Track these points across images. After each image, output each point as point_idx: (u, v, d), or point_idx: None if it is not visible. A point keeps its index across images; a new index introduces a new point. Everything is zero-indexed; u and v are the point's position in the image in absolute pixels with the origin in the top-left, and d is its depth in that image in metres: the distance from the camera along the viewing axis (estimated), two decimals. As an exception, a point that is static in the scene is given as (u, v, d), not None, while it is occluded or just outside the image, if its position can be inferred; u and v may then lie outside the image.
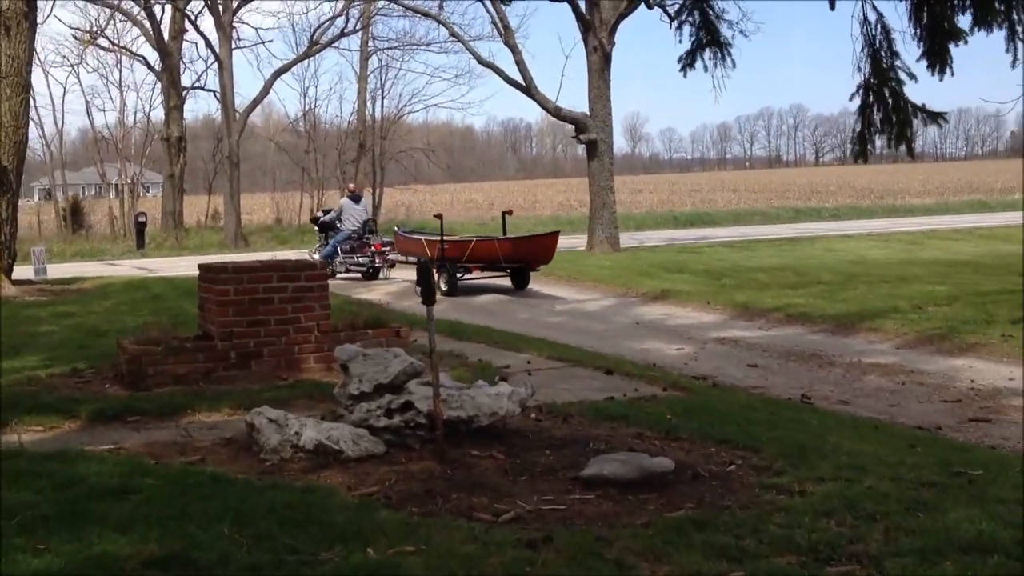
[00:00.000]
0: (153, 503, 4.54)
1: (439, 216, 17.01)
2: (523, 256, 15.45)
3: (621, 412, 6.58)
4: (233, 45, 34.68)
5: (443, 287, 14.82)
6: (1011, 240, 22.64)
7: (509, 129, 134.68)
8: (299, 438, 5.45)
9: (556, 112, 23.09)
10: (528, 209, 56.39)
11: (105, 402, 7.01)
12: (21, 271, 16.97)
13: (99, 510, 4.44)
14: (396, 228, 19.86)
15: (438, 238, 15.54)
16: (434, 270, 14.50)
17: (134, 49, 38.27)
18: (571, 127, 23.67)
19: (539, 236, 16.21)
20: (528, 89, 22.76)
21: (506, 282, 15.86)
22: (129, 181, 37.64)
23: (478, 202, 61.69)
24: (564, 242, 29.18)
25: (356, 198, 19.35)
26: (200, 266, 8.47)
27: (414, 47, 38.44)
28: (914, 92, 9.13)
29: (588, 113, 22.70)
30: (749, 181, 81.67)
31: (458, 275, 15.28)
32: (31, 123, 41.41)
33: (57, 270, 21.72)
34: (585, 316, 13.17)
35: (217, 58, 33.97)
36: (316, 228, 20.37)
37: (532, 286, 15.99)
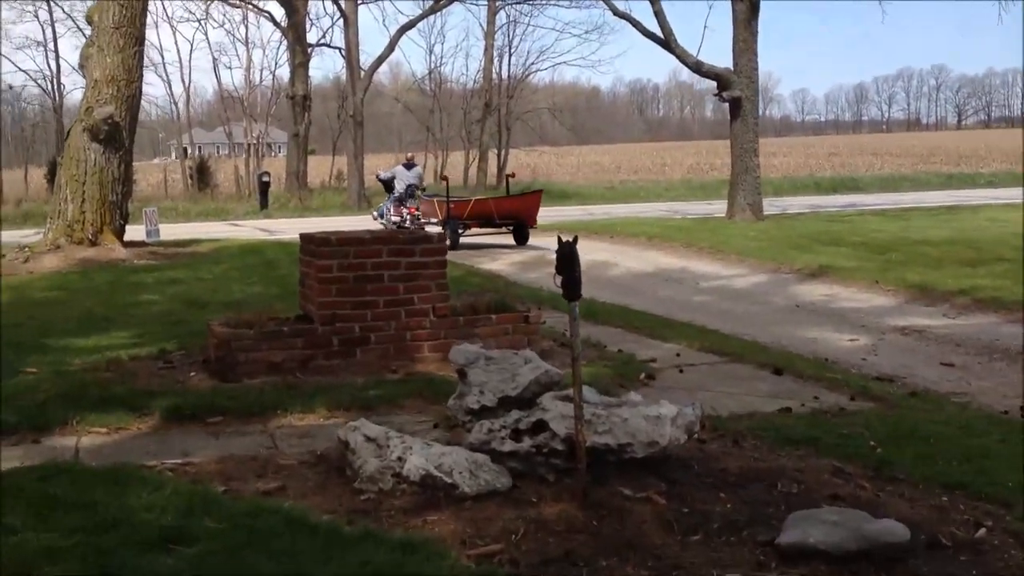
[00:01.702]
0: (206, 561, 3.43)
1: (445, 178, 19.40)
2: (512, 213, 17.65)
3: (806, 433, 5.21)
4: (359, 0, 33.86)
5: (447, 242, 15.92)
6: None
7: (636, 90, 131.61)
8: (402, 465, 4.28)
9: (697, 67, 21.35)
10: (657, 172, 54.53)
11: (185, 397, 6.00)
12: (134, 232, 16.39)
13: (135, 569, 3.36)
14: (419, 193, 21.04)
15: (445, 199, 18.01)
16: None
17: (261, 5, 37.90)
18: (708, 85, 21.98)
19: (522, 195, 18.84)
20: (667, 42, 21.07)
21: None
22: (254, 140, 37.36)
23: (604, 165, 60.07)
24: (701, 208, 27.76)
25: (409, 166, 21.45)
26: (301, 236, 7.39)
27: (543, 1, 36.97)
28: None
29: (732, 68, 20.91)
30: (889, 144, 77.74)
31: (460, 230, 17.43)
32: (161, 81, 41.79)
33: (177, 230, 21.27)
34: (734, 295, 11.69)
35: (343, 14, 33.21)
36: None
37: (674, 260, 14.61)
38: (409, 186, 20.59)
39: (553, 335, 8.09)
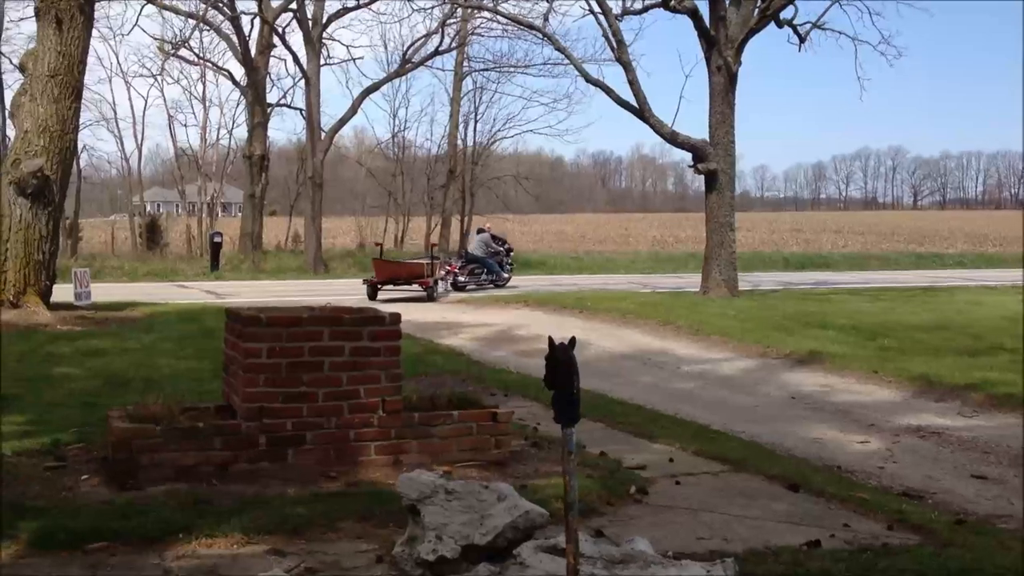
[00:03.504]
0: None
1: (379, 244, 24.92)
2: (402, 275, 20.97)
3: (853, 585, 4.07)
4: (322, 62, 33.02)
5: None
6: None
7: (599, 161, 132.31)
8: (328, 644, 3.08)
9: (672, 138, 20.49)
10: (621, 243, 53.86)
11: (65, 514, 4.74)
12: (65, 293, 15.06)
13: None
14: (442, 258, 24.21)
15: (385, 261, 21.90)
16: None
17: (220, 63, 36.97)
18: (669, 160, 21.44)
19: (407, 262, 22.45)
20: (641, 111, 20.21)
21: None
22: (208, 200, 36.12)
23: (568, 234, 59.36)
24: (671, 282, 26.75)
25: (479, 231, 25.51)
26: (227, 312, 6.21)
27: (511, 69, 36.35)
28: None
29: (708, 139, 20.10)
30: (850, 221, 78.07)
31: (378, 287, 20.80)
32: (112, 136, 40.30)
33: (118, 291, 19.92)
34: (722, 383, 10.60)
35: (305, 75, 32.31)
36: None
37: (652, 340, 13.56)
38: (465, 252, 24.88)
39: (524, 432, 6.95)
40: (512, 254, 26.07)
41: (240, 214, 40.29)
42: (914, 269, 36.34)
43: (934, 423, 8.46)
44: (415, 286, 20.80)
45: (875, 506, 5.51)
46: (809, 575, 4.22)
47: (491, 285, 23.64)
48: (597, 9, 20.43)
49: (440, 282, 22.42)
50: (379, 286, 20.72)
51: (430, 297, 20.44)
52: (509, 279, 24.73)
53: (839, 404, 9.34)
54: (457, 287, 22.97)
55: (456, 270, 23.42)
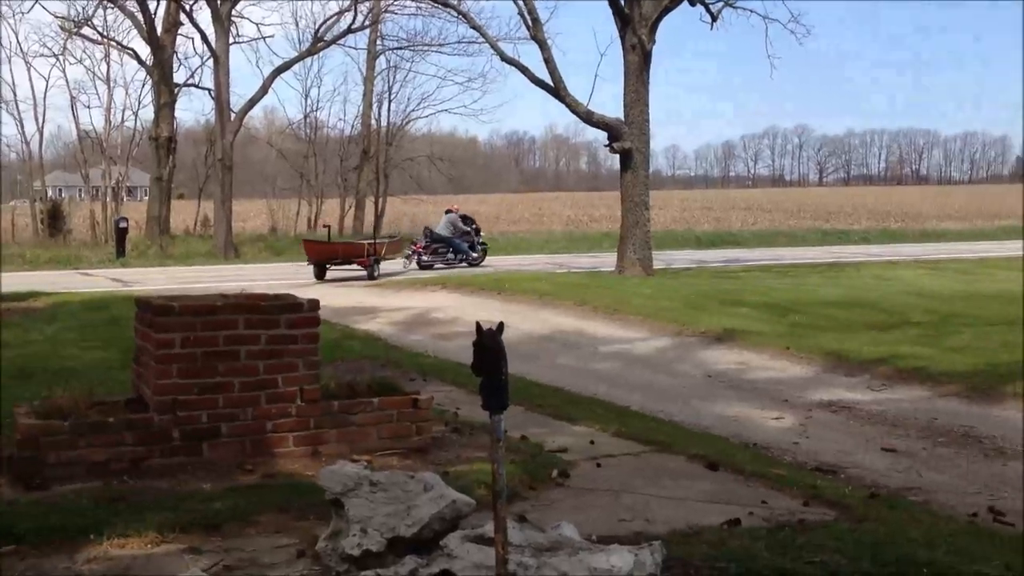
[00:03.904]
0: None
1: (327, 226, 24.18)
2: (338, 255, 21.07)
3: (773, 562, 4.13)
4: (231, 40, 32.24)
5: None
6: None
7: (513, 142, 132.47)
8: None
9: (587, 117, 20.57)
10: (535, 223, 53.96)
11: (-32, 517, 4.55)
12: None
13: None
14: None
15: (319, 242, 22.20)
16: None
17: (125, 42, 35.88)
18: (583, 139, 21.43)
19: (339, 243, 22.70)
20: (557, 90, 20.25)
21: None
22: (112, 183, 35.12)
23: (483, 214, 59.23)
24: (586, 262, 26.92)
25: (447, 212, 25.48)
26: (137, 301, 6.02)
27: (426, 47, 36.06)
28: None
29: (623, 119, 20.22)
30: (759, 199, 79.51)
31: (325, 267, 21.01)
32: (12, 119, 38.80)
33: (19, 280, 19.26)
34: (640, 363, 10.69)
35: (213, 54, 31.51)
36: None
37: (569, 320, 13.62)
38: (431, 231, 24.72)
39: (444, 417, 6.91)
40: (482, 234, 26.53)
41: (147, 198, 39.33)
42: (821, 245, 37.21)
43: (845, 398, 8.67)
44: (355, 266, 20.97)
45: (791, 482, 5.60)
46: (731, 554, 4.26)
47: (463, 264, 24.15)
48: (512, -14, 20.35)
49: (405, 260, 23.57)
50: (327, 266, 20.91)
51: (370, 276, 20.79)
52: (480, 258, 25.08)
53: (754, 381, 9.51)
54: (422, 266, 23.51)
55: (420, 249, 23.89)
